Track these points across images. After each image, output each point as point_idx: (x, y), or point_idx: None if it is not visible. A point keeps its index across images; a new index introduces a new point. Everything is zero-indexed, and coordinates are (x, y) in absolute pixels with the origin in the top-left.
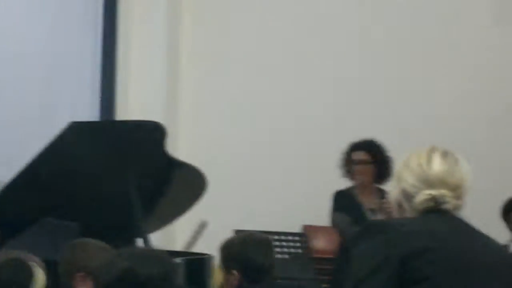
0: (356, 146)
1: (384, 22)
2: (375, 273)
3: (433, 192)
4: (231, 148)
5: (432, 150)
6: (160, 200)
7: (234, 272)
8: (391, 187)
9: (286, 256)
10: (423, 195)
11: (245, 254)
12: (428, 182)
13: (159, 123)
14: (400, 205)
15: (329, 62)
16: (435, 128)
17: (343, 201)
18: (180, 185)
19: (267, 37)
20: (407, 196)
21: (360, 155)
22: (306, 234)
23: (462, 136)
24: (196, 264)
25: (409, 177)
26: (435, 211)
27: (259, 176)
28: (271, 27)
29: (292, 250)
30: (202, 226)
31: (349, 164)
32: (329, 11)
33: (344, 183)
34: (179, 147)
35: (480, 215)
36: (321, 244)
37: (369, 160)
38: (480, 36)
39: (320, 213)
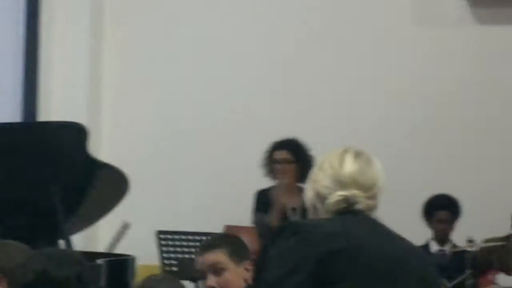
0: (278, 145)
1: (307, 22)
2: (293, 273)
3: (345, 192)
4: (153, 150)
5: (344, 151)
6: (82, 201)
7: None
8: (306, 190)
9: None
10: (335, 196)
11: None
12: (341, 183)
13: (81, 124)
14: (314, 207)
15: (253, 61)
16: (358, 128)
17: (264, 201)
18: (103, 186)
19: (190, 35)
20: (321, 197)
21: (282, 154)
22: (228, 234)
23: (385, 136)
24: (119, 265)
25: (322, 179)
26: (348, 211)
27: (181, 177)
28: (194, 23)
29: None
30: (124, 227)
31: (271, 163)
32: (250, 5)
33: (267, 183)
34: (101, 148)
35: (404, 214)
36: None
37: (291, 159)
38: (401, 36)
39: (242, 213)
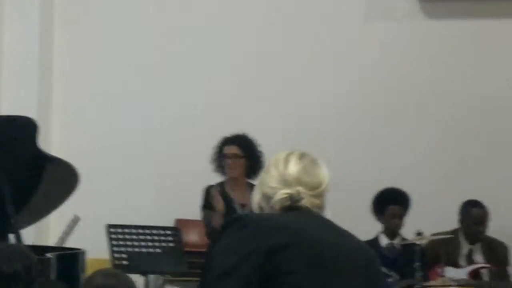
0: (228, 141)
1: (256, 22)
2: (240, 264)
3: (289, 190)
4: (103, 144)
5: (289, 153)
6: (32, 195)
7: None
8: (253, 193)
9: (158, 250)
10: (280, 194)
11: None
12: (286, 182)
13: (31, 118)
14: (260, 208)
15: (201, 60)
16: (309, 126)
17: (210, 198)
18: (53, 180)
19: (140, 34)
20: (266, 197)
21: (231, 150)
22: (178, 228)
23: (333, 133)
24: (69, 259)
25: (268, 181)
26: (294, 209)
27: (131, 171)
28: (144, 22)
29: (164, 244)
30: (74, 221)
31: (220, 158)
32: (198, 5)
33: (216, 178)
34: (52, 142)
35: (353, 208)
36: (194, 238)
37: (240, 154)
38: (352, 34)
39: (192, 207)
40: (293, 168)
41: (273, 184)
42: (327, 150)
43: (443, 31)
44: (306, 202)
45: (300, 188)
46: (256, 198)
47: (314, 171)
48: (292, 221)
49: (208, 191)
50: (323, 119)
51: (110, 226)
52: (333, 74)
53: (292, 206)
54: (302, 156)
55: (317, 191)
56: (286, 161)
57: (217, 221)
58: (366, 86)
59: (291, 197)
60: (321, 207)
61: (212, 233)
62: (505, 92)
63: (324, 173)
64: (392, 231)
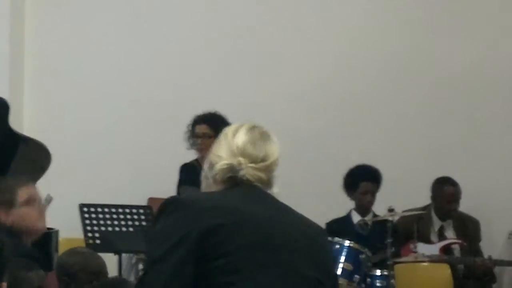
0: (199, 119)
1: (231, 9)
2: (175, 249)
3: (231, 161)
4: (76, 123)
5: (241, 124)
6: (4, 175)
7: None
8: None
9: (131, 229)
10: (221, 164)
11: None
12: (231, 153)
13: (2, 98)
14: (206, 177)
15: (176, 42)
16: (285, 105)
17: (189, 174)
18: (24, 160)
19: (112, 13)
20: (211, 166)
21: (202, 129)
22: (151, 206)
23: (310, 113)
24: (42, 238)
25: (217, 149)
26: (236, 183)
27: (104, 150)
28: (119, 4)
29: (137, 223)
30: (47, 201)
31: (192, 137)
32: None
33: (190, 155)
34: (23, 122)
35: (326, 185)
36: None
37: (210, 133)
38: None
39: (166, 186)
40: (240, 139)
41: (220, 153)
42: (298, 128)
43: (414, 7)
44: (247, 174)
45: (242, 159)
46: (205, 167)
47: (261, 143)
48: (227, 200)
49: (184, 169)
50: (297, 97)
51: (83, 205)
52: (306, 49)
53: (235, 180)
54: (252, 128)
55: (261, 164)
56: (236, 131)
57: None
58: (339, 63)
59: (231, 167)
60: (267, 183)
61: None
62: (475, 69)
63: (273, 148)
64: (364, 208)
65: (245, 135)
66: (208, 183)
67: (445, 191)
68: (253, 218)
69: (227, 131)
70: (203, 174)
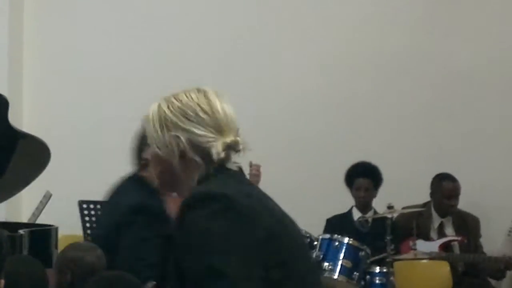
0: None
1: (232, 9)
2: (252, 265)
3: (228, 139)
4: (75, 119)
5: (203, 90)
6: (3, 171)
7: None
8: (159, 143)
9: None
10: (220, 145)
11: None
12: (220, 129)
13: (1, 94)
14: (182, 157)
15: (172, 47)
16: (282, 105)
17: None
18: (24, 156)
19: (113, 8)
20: (196, 149)
21: None
22: None
23: (310, 112)
24: (41, 235)
25: (194, 126)
26: (223, 166)
27: (103, 147)
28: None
29: None
30: (46, 197)
31: None
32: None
33: None
34: (22, 118)
35: (330, 182)
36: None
37: None
38: (318, 9)
39: None
40: (226, 110)
41: (203, 131)
42: (300, 126)
43: (414, 7)
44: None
45: (238, 139)
46: (169, 145)
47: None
48: (263, 199)
49: None
50: (297, 96)
51: (82, 202)
52: (306, 50)
53: (222, 162)
54: (220, 94)
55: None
56: (210, 102)
57: None
58: (339, 63)
59: (233, 146)
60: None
61: None
62: (475, 69)
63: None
64: (361, 204)
65: (224, 102)
66: (170, 154)
67: (444, 186)
68: (284, 216)
69: (196, 102)
70: (160, 141)
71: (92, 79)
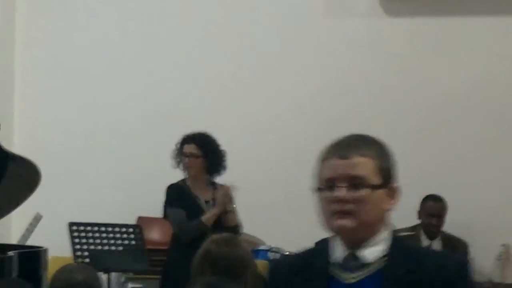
0: (187, 139)
1: (214, 14)
2: None
3: None
4: (65, 142)
5: None
6: None
7: None
8: None
9: (120, 248)
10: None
11: None
12: None
13: None
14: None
15: (169, 58)
16: (271, 124)
17: (176, 195)
18: (14, 178)
19: (105, 27)
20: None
21: (190, 148)
22: (140, 225)
23: (296, 132)
24: (31, 257)
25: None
26: None
27: (93, 169)
28: (109, 15)
29: (126, 242)
30: (36, 219)
31: (180, 156)
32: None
33: (178, 174)
34: (13, 140)
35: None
36: (155, 235)
37: (198, 153)
38: (311, 30)
39: (154, 205)
40: None
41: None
42: (290, 145)
43: (402, 28)
44: None
45: None
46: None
47: None
48: None
49: (170, 190)
50: (284, 115)
51: (72, 224)
52: (293, 71)
53: None
54: None
55: None
56: None
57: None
58: (326, 83)
59: None
60: None
61: (182, 228)
62: (465, 89)
63: None
64: None
65: None
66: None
67: (426, 205)
68: None
69: None
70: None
71: (84, 102)
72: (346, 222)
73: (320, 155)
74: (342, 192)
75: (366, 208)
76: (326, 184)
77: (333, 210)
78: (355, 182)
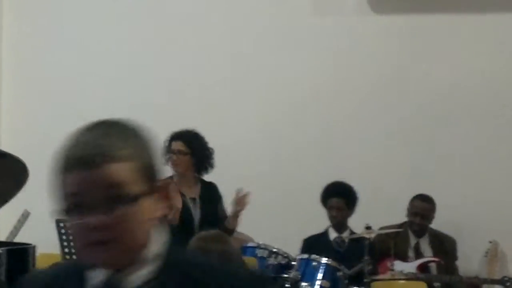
0: (175, 136)
1: (204, 11)
2: None
3: None
4: (53, 137)
5: None
6: None
7: None
8: None
9: None
10: None
11: None
12: None
13: None
14: None
15: (155, 53)
16: (259, 122)
17: None
18: (1, 174)
19: (92, 27)
20: None
21: (177, 145)
22: None
23: (285, 130)
24: (19, 254)
25: None
26: None
27: None
28: (94, 17)
29: None
30: (24, 216)
31: (168, 153)
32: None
33: (167, 171)
34: (0, 136)
35: (308, 203)
36: None
37: (185, 151)
38: (299, 28)
39: None
40: None
41: None
42: (279, 144)
43: (390, 26)
44: None
45: None
46: None
47: None
48: None
49: None
50: (271, 112)
51: (60, 220)
52: (280, 68)
53: None
54: None
55: None
56: None
57: (175, 217)
58: (314, 80)
59: None
60: None
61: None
62: (451, 86)
63: None
64: (335, 224)
65: None
66: None
67: (414, 204)
68: None
69: None
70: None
71: (72, 97)
72: (104, 256)
73: (57, 162)
74: (93, 218)
75: (129, 229)
76: (72, 203)
77: (86, 241)
78: (110, 197)
